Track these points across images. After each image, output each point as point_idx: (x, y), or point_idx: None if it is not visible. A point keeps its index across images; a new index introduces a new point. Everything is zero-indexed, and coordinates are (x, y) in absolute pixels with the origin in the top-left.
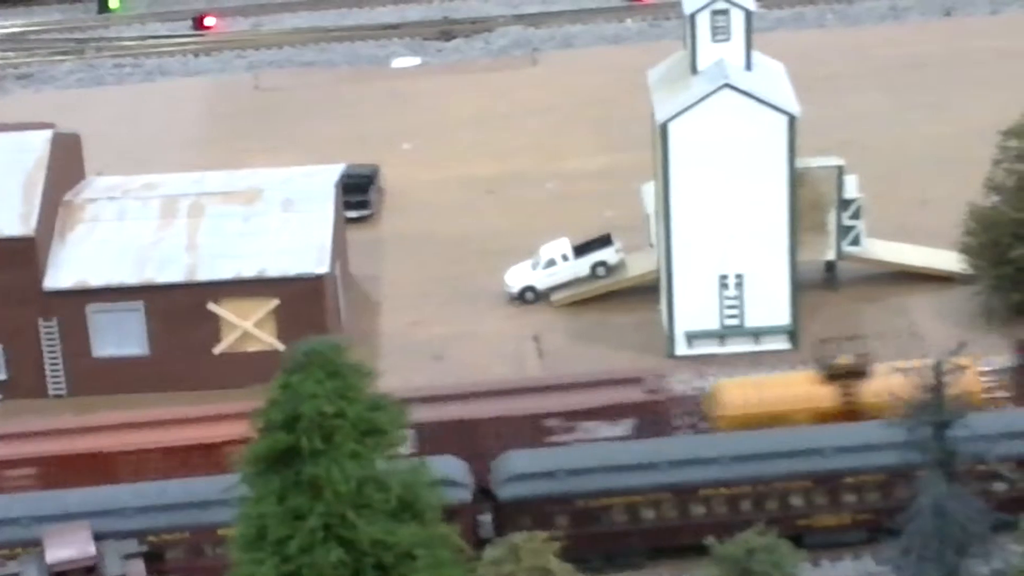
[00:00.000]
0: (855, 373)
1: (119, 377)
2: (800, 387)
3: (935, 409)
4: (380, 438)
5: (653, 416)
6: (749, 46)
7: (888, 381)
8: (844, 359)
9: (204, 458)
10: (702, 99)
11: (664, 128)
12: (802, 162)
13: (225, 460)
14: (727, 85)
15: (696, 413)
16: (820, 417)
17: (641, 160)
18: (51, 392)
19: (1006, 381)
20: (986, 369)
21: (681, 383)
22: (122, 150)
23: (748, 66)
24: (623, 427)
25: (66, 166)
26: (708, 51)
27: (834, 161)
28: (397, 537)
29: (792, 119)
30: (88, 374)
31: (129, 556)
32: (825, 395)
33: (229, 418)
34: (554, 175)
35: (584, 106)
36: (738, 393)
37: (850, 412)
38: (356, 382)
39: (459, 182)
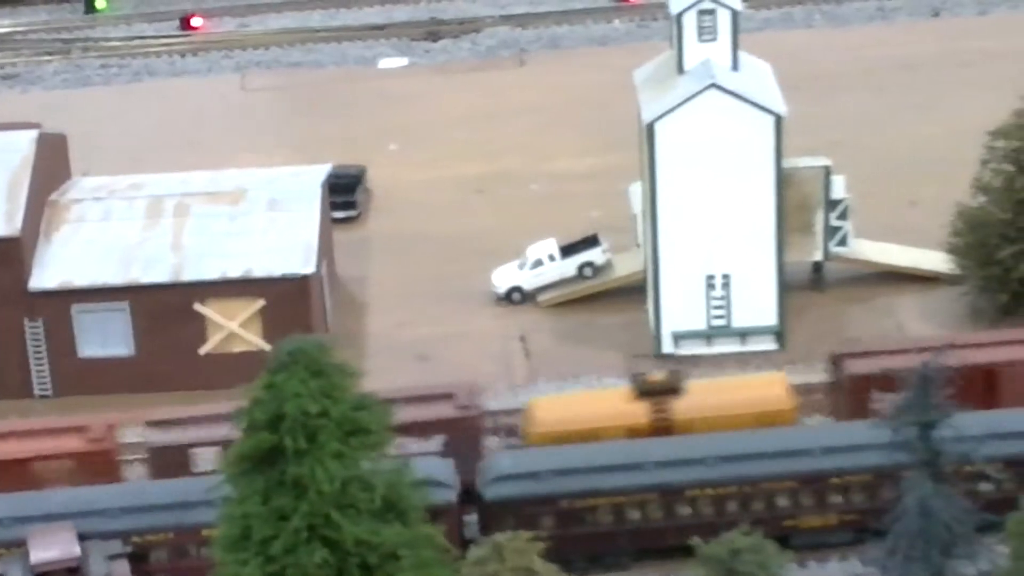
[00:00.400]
0: (668, 390)
1: (104, 377)
2: (612, 404)
3: (921, 409)
4: (364, 438)
5: (464, 432)
6: (736, 46)
7: (701, 397)
8: (656, 375)
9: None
10: (688, 99)
11: (651, 128)
12: (789, 162)
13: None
14: (713, 85)
15: (508, 429)
16: (633, 434)
17: (628, 161)
18: (36, 392)
19: (821, 395)
20: (799, 383)
21: (495, 398)
22: (108, 151)
23: (735, 66)
24: (434, 443)
25: (52, 166)
26: (695, 51)
27: (821, 161)
28: (381, 537)
29: (779, 119)
30: (73, 374)
31: (113, 557)
32: (637, 412)
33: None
34: (541, 175)
35: (572, 107)
36: (551, 410)
37: (663, 429)
38: (340, 381)
39: (447, 182)
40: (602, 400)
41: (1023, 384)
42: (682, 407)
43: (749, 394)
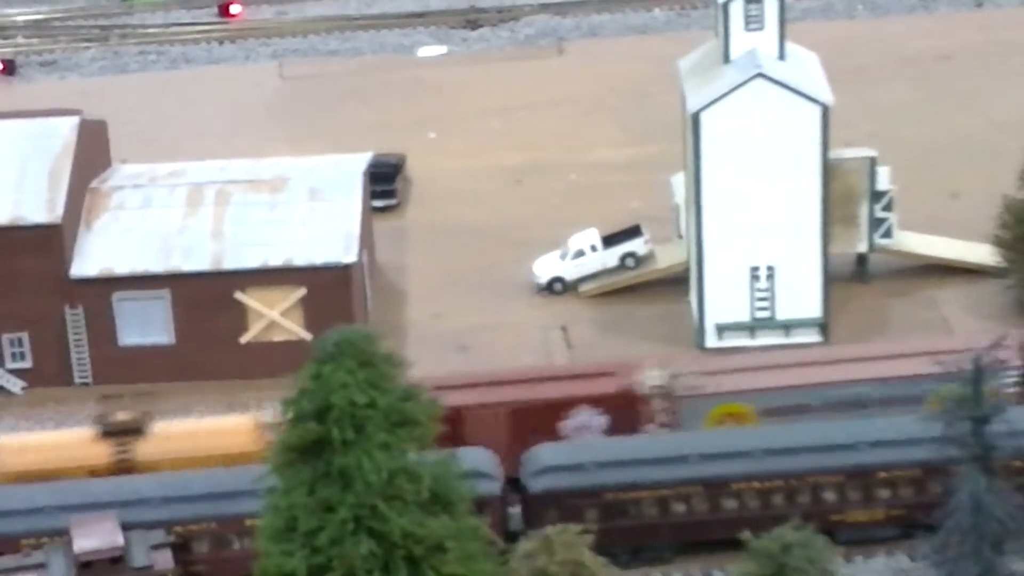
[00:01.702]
0: (131, 430)
1: (144, 366)
2: (75, 446)
3: (973, 404)
4: (412, 429)
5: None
6: (783, 35)
7: (166, 439)
8: (122, 415)
9: None
10: (734, 88)
11: (696, 118)
12: (834, 153)
13: None
14: (760, 75)
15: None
16: (95, 474)
17: (668, 151)
18: (76, 380)
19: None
20: None
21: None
22: (145, 138)
23: (781, 56)
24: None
25: (92, 153)
26: (741, 40)
27: (866, 152)
28: (428, 529)
29: (826, 109)
30: (113, 363)
31: (156, 546)
32: (100, 453)
33: None
34: (580, 165)
35: (610, 96)
36: (17, 451)
37: (124, 469)
38: (388, 372)
39: (485, 172)
40: (65, 443)
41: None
42: (145, 448)
43: (215, 439)
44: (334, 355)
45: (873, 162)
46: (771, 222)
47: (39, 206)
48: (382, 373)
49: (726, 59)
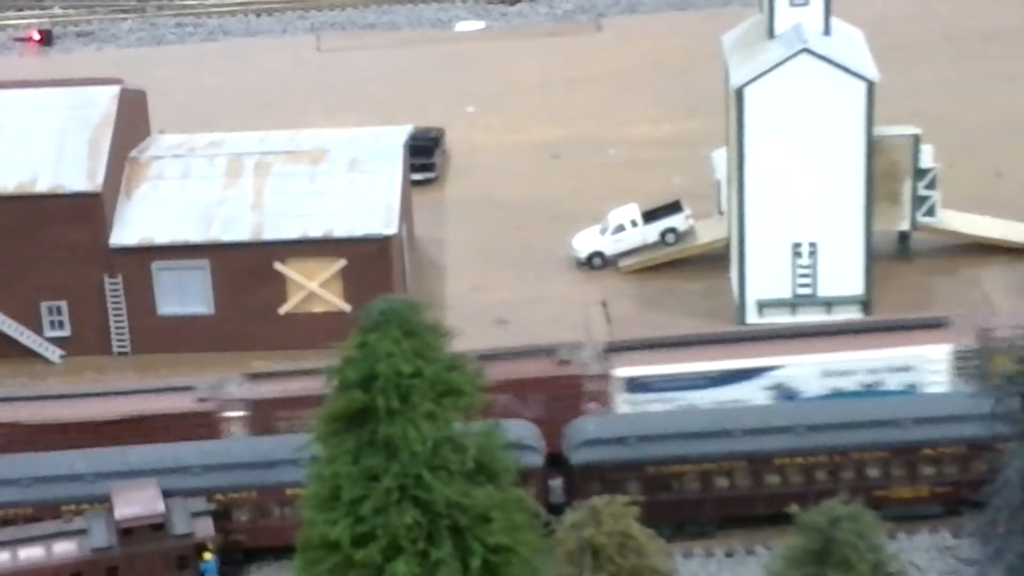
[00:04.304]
0: None
1: (183, 336)
2: None
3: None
4: (457, 399)
5: None
6: (828, 11)
7: None
8: None
9: None
10: (779, 64)
11: (739, 93)
12: (878, 130)
13: None
14: (805, 50)
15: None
16: None
17: (708, 127)
18: (115, 349)
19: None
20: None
21: None
22: (182, 110)
23: (827, 31)
24: None
25: (132, 122)
26: (786, 15)
27: (910, 130)
28: (473, 499)
29: (871, 85)
30: (152, 332)
31: (197, 514)
32: None
33: None
34: (619, 141)
35: (649, 72)
36: None
37: None
38: (433, 342)
39: (523, 146)
40: None
41: None
42: None
43: None
44: (379, 324)
45: (917, 140)
46: (814, 198)
47: (79, 175)
48: (427, 343)
49: (771, 34)
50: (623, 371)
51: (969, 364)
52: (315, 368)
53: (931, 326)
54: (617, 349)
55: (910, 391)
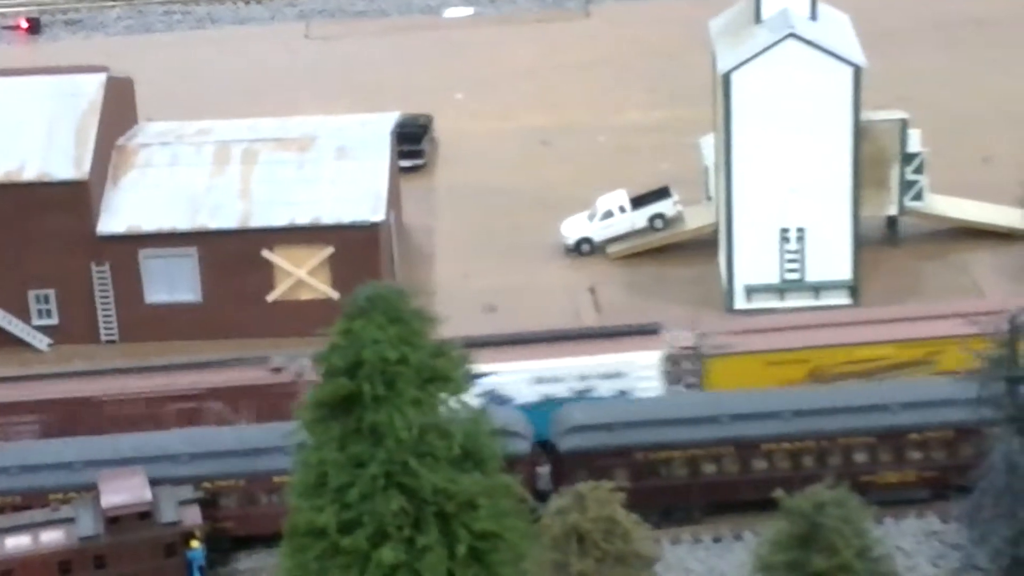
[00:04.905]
0: None
1: (170, 324)
2: None
3: (1008, 364)
4: (443, 385)
5: None
6: None
7: None
8: None
9: None
10: (766, 49)
11: (727, 78)
12: (865, 115)
13: None
14: (792, 35)
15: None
16: None
17: (696, 114)
18: (102, 338)
19: None
20: None
21: None
22: (170, 98)
23: (813, 16)
24: None
25: (119, 110)
26: (773, 1)
27: (897, 115)
28: (459, 486)
29: (858, 70)
30: (139, 320)
31: (184, 502)
32: None
33: None
34: (608, 128)
35: (638, 58)
36: None
37: None
38: (419, 328)
39: (512, 134)
40: None
41: None
42: None
43: None
44: (365, 311)
45: (904, 124)
46: (802, 183)
47: (66, 163)
48: (413, 329)
49: (757, 19)
50: None
51: (679, 368)
52: None
53: (643, 333)
54: None
55: (621, 397)
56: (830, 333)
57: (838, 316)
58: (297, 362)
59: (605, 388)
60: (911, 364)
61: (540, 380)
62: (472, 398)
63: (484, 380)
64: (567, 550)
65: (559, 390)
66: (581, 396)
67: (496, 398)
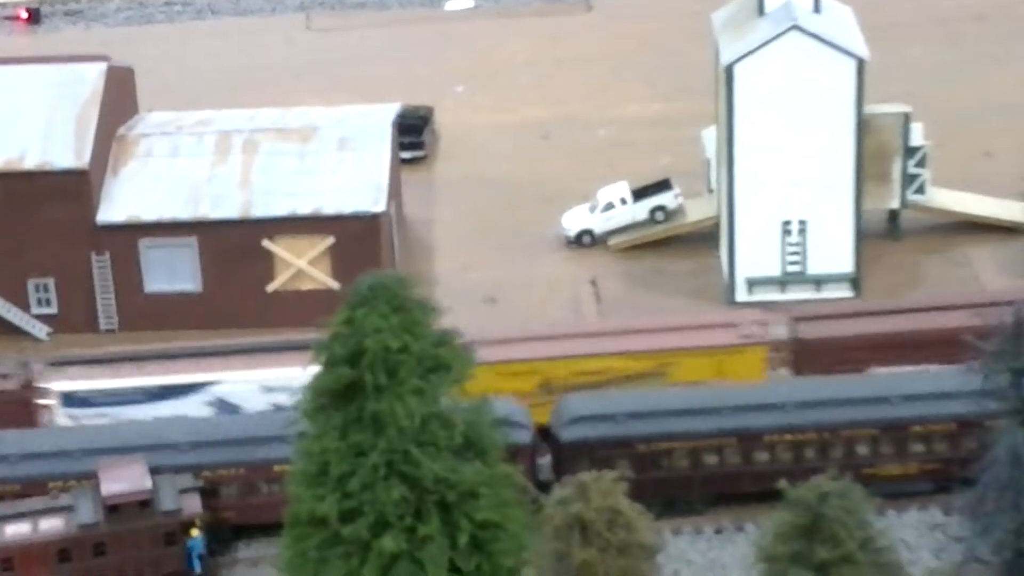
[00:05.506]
0: None
1: (170, 313)
2: None
3: (1013, 355)
4: (445, 374)
5: None
6: None
7: None
8: None
9: None
10: (769, 41)
11: (729, 70)
12: (868, 109)
13: None
14: (795, 27)
15: None
16: None
17: (697, 108)
18: (102, 327)
19: None
20: None
21: None
22: (170, 89)
23: (817, 9)
24: None
25: (120, 100)
26: None
27: (900, 108)
28: (461, 475)
29: (861, 63)
30: (139, 310)
31: (184, 491)
32: None
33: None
34: (609, 121)
35: (639, 52)
36: None
37: None
38: (421, 317)
39: (513, 127)
40: None
41: None
42: None
43: None
44: (367, 299)
45: (907, 118)
46: (804, 176)
47: (66, 151)
48: (415, 318)
49: (761, 12)
50: (60, 385)
51: None
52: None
53: None
54: (60, 364)
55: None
56: (560, 345)
57: (570, 329)
58: (27, 368)
59: None
60: (642, 376)
61: (268, 389)
62: (199, 407)
63: (212, 388)
64: (569, 540)
65: (288, 399)
66: None
67: (225, 407)
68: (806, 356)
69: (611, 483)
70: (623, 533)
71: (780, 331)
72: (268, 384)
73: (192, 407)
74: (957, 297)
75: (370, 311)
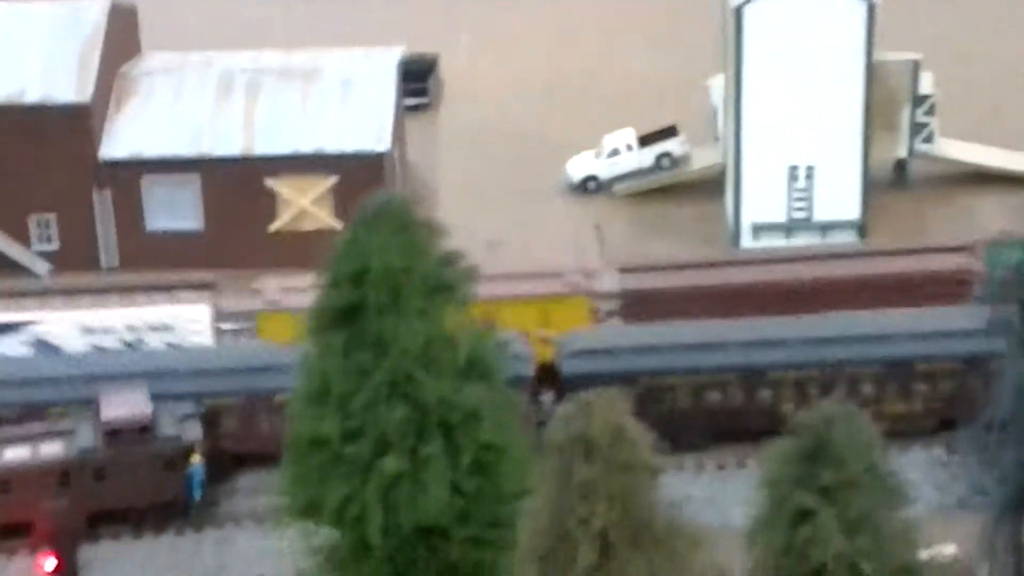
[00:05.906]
0: None
1: (171, 252)
2: None
3: (1021, 287)
4: (449, 295)
5: None
6: None
7: None
8: None
9: None
10: None
11: (738, 13)
12: (877, 56)
13: None
14: None
15: None
16: None
17: (703, 59)
18: (103, 265)
19: None
20: None
21: None
22: (172, 30)
23: None
24: None
25: (122, 38)
26: None
27: (909, 55)
28: (464, 396)
29: (872, 7)
30: (140, 247)
31: (185, 418)
32: None
33: None
34: (615, 72)
35: (646, 3)
36: None
37: None
38: (426, 238)
39: (518, 76)
40: None
41: None
42: None
43: None
44: (373, 219)
45: (916, 66)
46: (812, 121)
47: (68, 87)
48: (420, 239)
49: None
50: None
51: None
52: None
53: (195, 287)
54: None
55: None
56: None
57: None
58: None
59: (155, 340)
60: None
61: (89, 331)
62: (20, 346)
63: (30, 328)
64: (572, 458)
65: (108, 340)
66: (131, 347)
67: (44, 347)
68: (634, 307)
69: (615, 402)
70: (627, 451)
71: (607, 282)
72: (87, 325)
73: (12, 347)
74: (789, 253)
75: (374, 231)
